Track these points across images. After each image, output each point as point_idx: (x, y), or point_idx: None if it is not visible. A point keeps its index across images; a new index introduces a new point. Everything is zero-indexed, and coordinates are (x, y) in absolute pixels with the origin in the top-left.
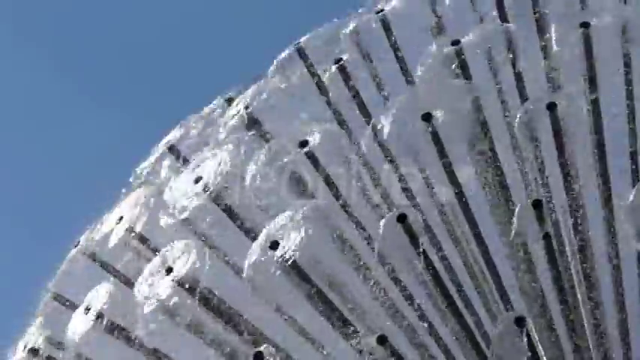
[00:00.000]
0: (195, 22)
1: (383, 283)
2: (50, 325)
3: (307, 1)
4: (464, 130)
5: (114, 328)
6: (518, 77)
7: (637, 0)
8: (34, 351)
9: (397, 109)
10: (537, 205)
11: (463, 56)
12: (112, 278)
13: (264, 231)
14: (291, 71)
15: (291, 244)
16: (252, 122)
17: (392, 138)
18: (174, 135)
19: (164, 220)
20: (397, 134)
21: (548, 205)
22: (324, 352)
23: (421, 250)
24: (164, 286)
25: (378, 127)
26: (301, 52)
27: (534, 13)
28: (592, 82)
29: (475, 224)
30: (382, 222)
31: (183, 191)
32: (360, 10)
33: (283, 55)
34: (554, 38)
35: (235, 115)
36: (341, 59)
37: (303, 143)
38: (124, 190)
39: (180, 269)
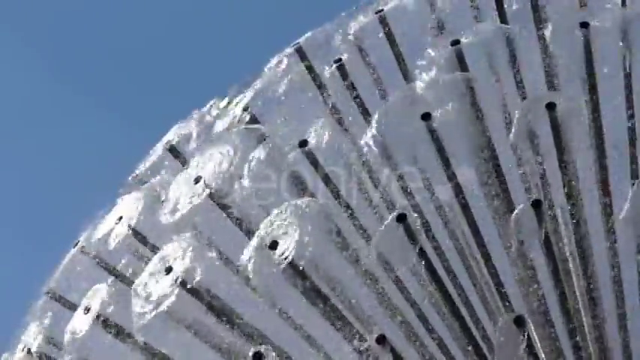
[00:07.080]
0: (195, 22)
1: (382, 283)
2: (49, 326)
3: (307, 1)
4: (463, 130)
5: (113, 329)
6: (518, 77)
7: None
8: (33, 351)
9: (396, 109)
10: (537, 205)
11: (463, 56)
12: (111, 278)
13: (261, 229)
14: (290, 71)
15: (289, 243)
16: (251, 122)
17: (391, 138)
18: (173, 135)
19: (163, 220)
20: (396, 134)
21: (548, 205)
22: (324, 353)
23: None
24: (163, 286)
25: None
26: (300, 52)
27: (534, 13)
28: (592, 81)
29: (474, 224)
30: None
31: (182, 191)
32: (359, 10)
33: (282, 54)
34: (553, 38)
35: (234, 114)
36: (340, 59)
37: (303, 143)
38: (123, 191)
39: (180, 269)
